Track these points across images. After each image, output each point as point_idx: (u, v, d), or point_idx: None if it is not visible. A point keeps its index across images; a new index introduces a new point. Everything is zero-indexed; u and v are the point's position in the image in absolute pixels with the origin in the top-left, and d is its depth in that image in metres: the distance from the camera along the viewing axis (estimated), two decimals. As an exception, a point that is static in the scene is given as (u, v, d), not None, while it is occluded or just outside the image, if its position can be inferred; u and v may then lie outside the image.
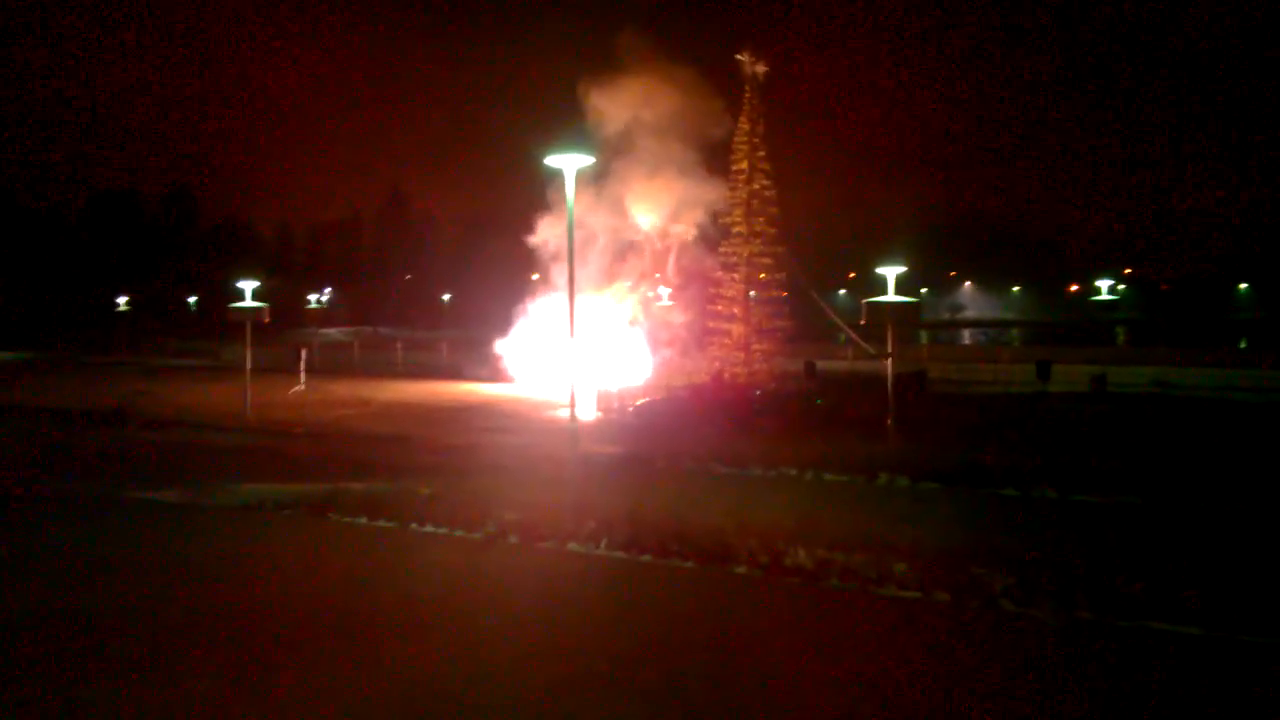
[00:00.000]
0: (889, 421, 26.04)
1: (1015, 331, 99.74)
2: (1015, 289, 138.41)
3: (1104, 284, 76.00)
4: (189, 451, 25.22)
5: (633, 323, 43.45)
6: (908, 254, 31.51)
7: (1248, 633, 10.22)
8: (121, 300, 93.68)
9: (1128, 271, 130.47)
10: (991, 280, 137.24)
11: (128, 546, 14.41)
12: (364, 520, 16.09)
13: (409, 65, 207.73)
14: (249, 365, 32.49)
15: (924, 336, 62.67)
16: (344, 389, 42.11)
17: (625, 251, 42.43)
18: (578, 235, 23.43)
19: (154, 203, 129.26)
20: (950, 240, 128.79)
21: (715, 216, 39.76)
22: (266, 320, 32.92)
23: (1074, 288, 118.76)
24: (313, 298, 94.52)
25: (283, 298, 62.33)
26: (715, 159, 39.39)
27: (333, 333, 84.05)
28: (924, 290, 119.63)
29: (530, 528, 14.96)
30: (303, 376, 41.42)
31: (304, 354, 43.58)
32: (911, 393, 32.91)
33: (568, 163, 17.95)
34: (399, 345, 61.38)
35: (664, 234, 41.90)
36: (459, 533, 15.13)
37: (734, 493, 18.89)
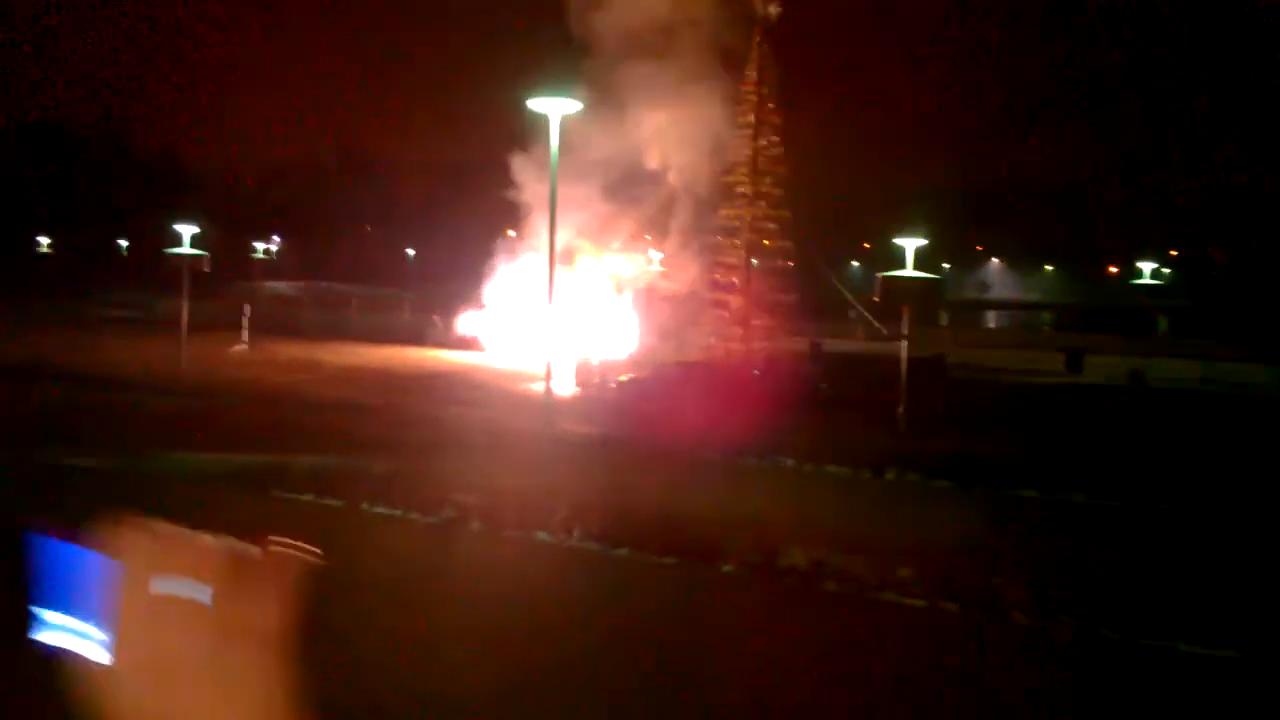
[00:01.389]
0: (901, 410, 26.21)
1: (1046, 315, 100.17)
2: (1048, 268, 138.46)
3: (1146, 266, 76.18)
4: (116, 413, 25.12)
5: (619, 289, 43.47)
6: (929, 225, 31.60)
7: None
8: (44, 242, 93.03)
9: (1174, 254, 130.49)
10: (1022, 258, 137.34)
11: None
12: (310, 498, 16.12)
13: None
14: (185, 319, 32.31)
15: (944, 317, 62.72)
16: (292, 350, 41.94)
17: (614, 209, 42.43)
18: (562, 187, 23.40)
19: (84, 135, 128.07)
20: (977, 211, 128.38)
21: (718, 174, 39.64)
22: (206, 269, 32.74)
23: (1113, 269, 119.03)
24: (260, 247, 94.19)
25: (225, 246, 62.10)
26: (722, 100, 39.36)
27: (281, 287, 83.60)
28: (946, 266, 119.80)
29: (495, 513, 15.03)
30: (245, 334, 41.25)
31: (248, 309, 43.41)
32: (929, 380, 33.06)
33: (552, 107, 17.95)
34: (355, 304, 61.21)
35: (661, 184, 41.84)
36: (415, 516, 15.19)
37: (725, 483, 18.99)
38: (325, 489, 16.40)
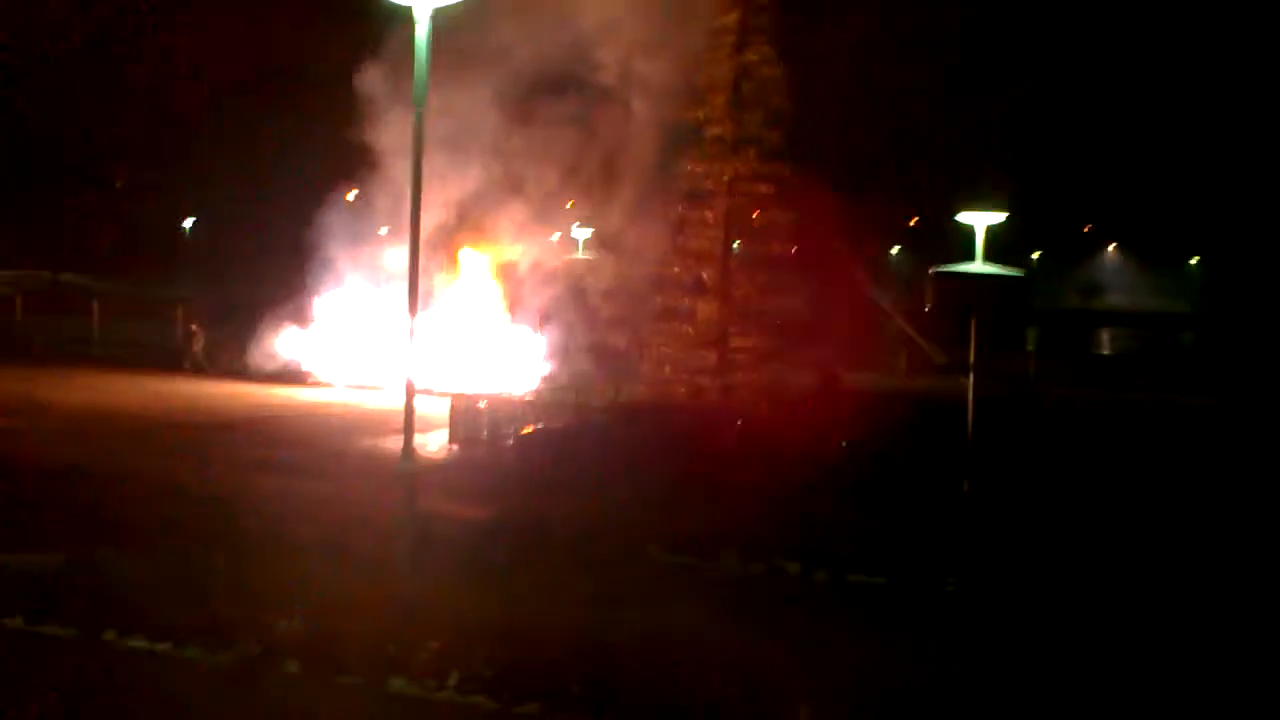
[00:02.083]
0: (966, 485, 26.50)
1: (1190, 335, 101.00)
2: (1193, 261, 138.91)
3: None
4: None
5: (522, 289, 43.61)
6: (1010, 191, 31.96)
7: None
8: None
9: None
10: (1154, 244, 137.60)
11: None
12: (19, 623, 15.92)
13: None
14: None
15: (1032, 336, 63.01)
16: (-3, 382, 41.49)
17: (517, 160, 42.53)
18: (440, 124, 23.46)
19: None
20: (1084, 173, 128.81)
21: (681, 108, 39.70)
22: None
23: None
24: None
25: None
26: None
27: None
28: (1036, 255, 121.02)
29: (325, 646, 14.93)
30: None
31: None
32: (1012, 429, 33.39)
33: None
34: (97, 309, 60.37)
35: (590, 119, 41.97)
36: (195, 652, 15.03)
37: (689, 599, 18.97)
38: (46, 608, 16.20)
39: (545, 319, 43.09)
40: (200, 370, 46.80)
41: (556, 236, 45.07)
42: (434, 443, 33.16)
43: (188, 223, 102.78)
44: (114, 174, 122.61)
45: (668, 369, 39.08)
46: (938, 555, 21.70)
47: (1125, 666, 16.15)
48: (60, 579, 17.44)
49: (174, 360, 49.35)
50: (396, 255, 39.10)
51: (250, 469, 29.11)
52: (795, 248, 39.65)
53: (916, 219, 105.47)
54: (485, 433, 34.58)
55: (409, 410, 19.44)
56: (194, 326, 48.14)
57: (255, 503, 25.10)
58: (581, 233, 59.90)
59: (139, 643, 15.34)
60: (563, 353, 42.18)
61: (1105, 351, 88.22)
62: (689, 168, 39.18)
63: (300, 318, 45.33)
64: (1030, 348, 58.13)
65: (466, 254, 44.37)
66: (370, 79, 41.35)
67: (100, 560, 18.71)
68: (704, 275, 39.09)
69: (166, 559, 19.02)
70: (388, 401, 37.31)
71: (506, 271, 44.46)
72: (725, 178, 38.91)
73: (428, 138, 19.71)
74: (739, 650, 15.48)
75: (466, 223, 42.53)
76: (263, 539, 21.59)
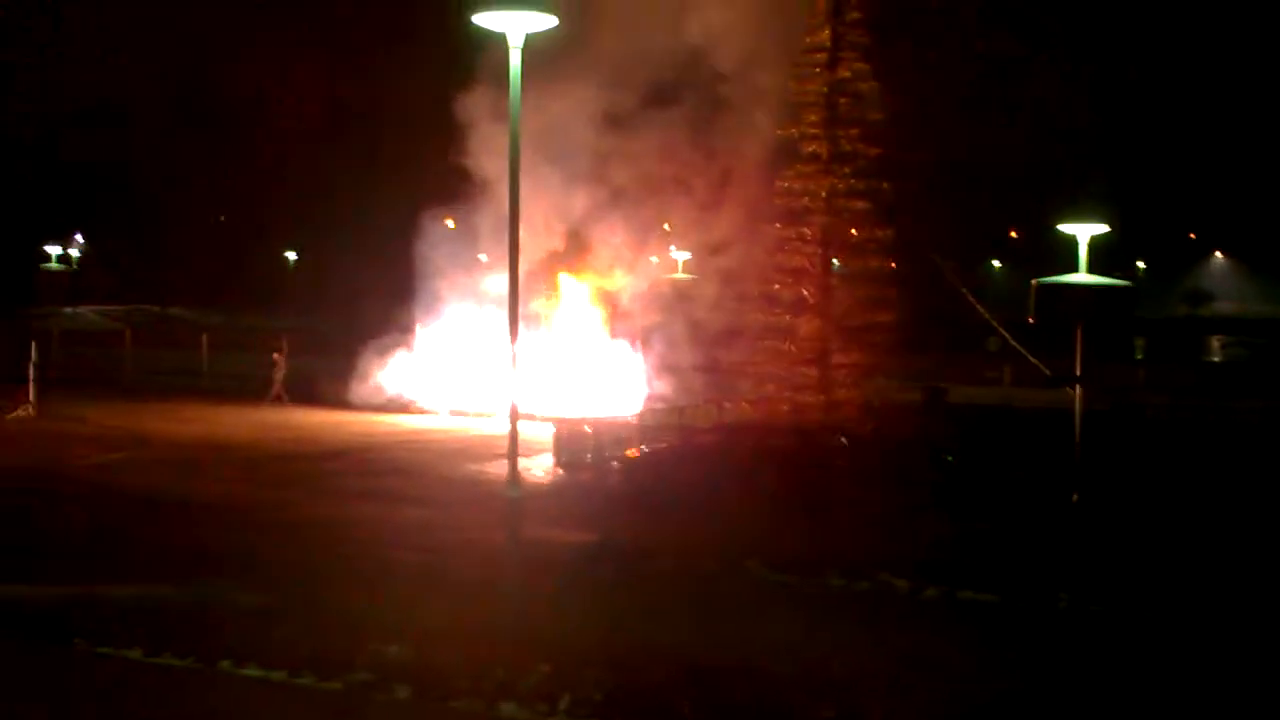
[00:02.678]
0: (1075, 496, 26.19)
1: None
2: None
3: None
4: None
5: (620, 313, 43.71)
6: (1113, 201, 31.67)
7: None
8: None
9: None
10: (1261, 250, 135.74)
11: None
12: (138, 655, 16.10)
13: None
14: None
15: (1139, 347, 62.53)
16: (105, 415, 42.09)
17: (612, 179, 42.68)
18: (537, 147, 23.56)
19: None
20: (1188, 181, 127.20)
21: (777, 125, 39.64)
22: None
23: None
24: (52, 252, 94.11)
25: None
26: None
27: (88, 314, 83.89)
28: (1140, 265, 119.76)
29: (433, 673, 14.98)
30: (32, 391, 41.27)
31: (35, 351, 43.53)
32: (1118, 443, 33.00)
33: (511, 22, 18.09)
34: (207, 341, 61.24)
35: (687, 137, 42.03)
36: (308, 680, 15.15)
37: (796, 618, 18.90)
38: (161, 639, 16.35)
39: (647, 340, 43.11)
40: (279, 401, 46.97)
41: (655, 258, 44.99)
42: (539, 467, 33.17)
43: (291, 254, 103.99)
44: (217, 212, 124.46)
45: (770, 387, 38.88)
46: (1049, 570, 21.43)
47: (1240, 684, 15.86)
48: (174, 610, 17.62)
49: (283, 393, 49.73)
50: (496, 281, 39.39)
51: (357, 497, 29.33)
52: (895, 262, 39.39)
53: (1017, 231, 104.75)
54: (590, 456, 34.56)
55: (513, 435, 19.50)
56: (275, 356, 48.44)
57: (362, 531, 25.31)
58: (680, 254, 60.05)
59: (253, 671, 15.46)
60: (665, 373, 42.16)
61: (1215, 359, 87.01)
62: (786, 185, 39.05)
63: (402, 345, 45.66)
64: (1139, 357, 57.53)
65: (566, 277, 44.55)
66: (465, 104, 41.67)
67: (213, 591, 18.88)
68: (804, 292, 38.86)
69: (276, 588, 19.18)
70: (491, 427, 37.48)
71: (606, 294, 44.56)
72: (822, 194, 38.70)
73: (524, 161, 19.83)
74: (846, 670, 15.37)
75: (566, 246, 42.67)
76: (369, 566, 21.76)
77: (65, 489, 29.50)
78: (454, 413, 43.15)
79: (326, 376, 49.69)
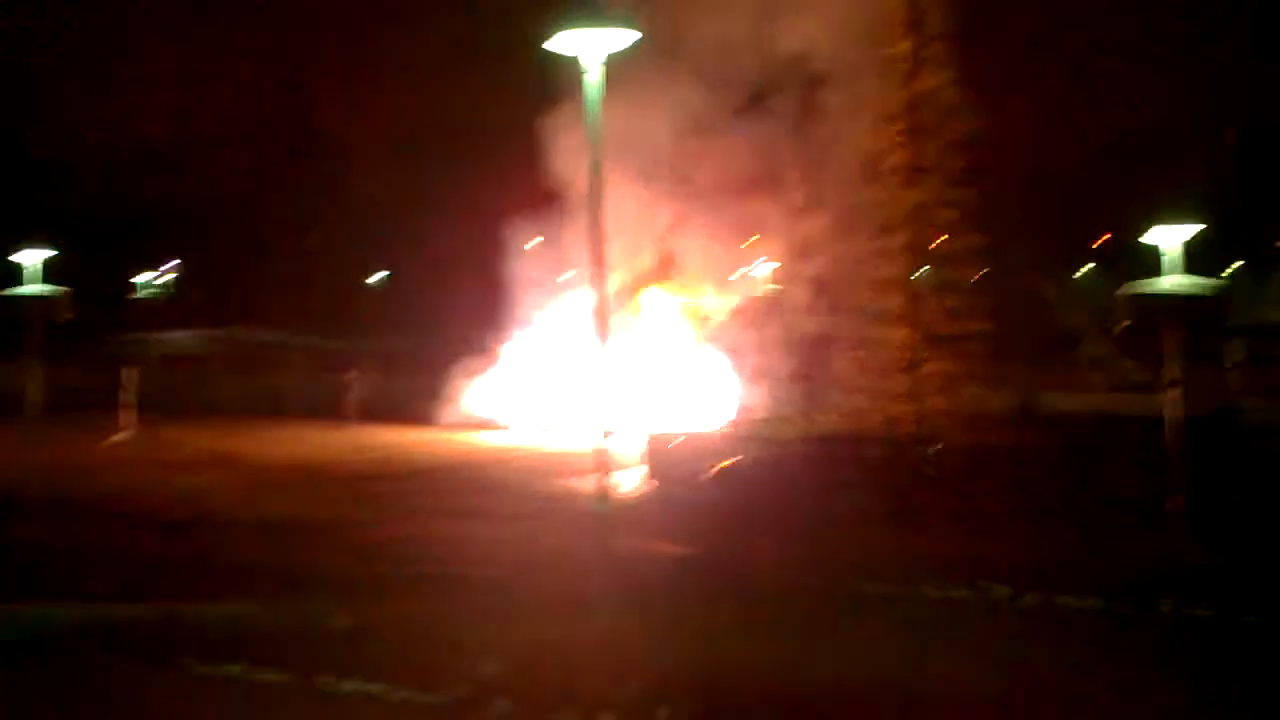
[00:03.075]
0: (1174, 503, 25.86)
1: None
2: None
3: None
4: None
5: (709, 323, 43.69)
6: (1207, 204, 31.23)
7: None
8: None
9: None
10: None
11: None
12: (238, 670, 16.22)
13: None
14: (33, 395, 32.90)
15: (1237, 350, 61.44)
16: (199, 437, 42.65)
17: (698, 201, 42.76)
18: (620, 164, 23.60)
19: None
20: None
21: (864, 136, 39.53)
22: (65, 317, 33.38)
23: None
24: (143, 279, 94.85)
25: (90, 277, 62.98)
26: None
27: (180, 338, 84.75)
28: (1236, 265, 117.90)
29: (530, 688, 15.01)
30: (127, 415, 41.77)
31: (128, 376, 44.07)
32: (1217, 448, 32.57)
33: (588, 45, 18.08)
34: (296, 363, 61.86)
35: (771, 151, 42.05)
36: (409, 693, 15.20)
37: (895, 629, 18.78)
38: (261, 655, 16.44)
39: (737, 353, 43.09)
40: (349, 419, 47.19)
41: (741, 271, 44.96)
42: (629, 481, 33.17)
43: (376, 276, 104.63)
44: (306, 237, 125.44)
45: (861, 398, 38.78)
46: (1151, 575, 21.19)
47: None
48: (269, 628, 17.79)
49: (367, 409, 50.11)
50: (582, 297, 39.51)
51: (446, 515, 29.49)
52: (985, 270, 39.15)
53: (1109, 235, 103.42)
54: (681, 469, 34.52)
55: (602, 449, 19.50)
56: (351, 375, 48.80)
57: (451, 548, 25.40)
58: (767, 266, 59.98)
59: (354, 685, 15.56)
60: (756, 386, 42.12)
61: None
62: (869, 196, 39.03)
63: (489, 364, 45.86)
64: (1236, 359, 56.73)
65: (653, 292, 44.59)
66: (548, 123, 41.84)
67: (308, 609, 19.07)
68: (893, 304, 38.79)
69: (371, 605, 19.29)
70: (580, 444, 37.50)
71: (694, 307, 44.59)
72: (908, 206, 38.62)
73: (608, 180, 19.85)
74: (942, 684, 15.25)
75: (653, 261, 42.75)
76: (460, 584, 21.85)
77: (156, 508, 29.92)
78: (543, 430, 43.24)
79: (414, 395, 50.05)
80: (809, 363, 41.75)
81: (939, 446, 35.06)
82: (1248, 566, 22.02)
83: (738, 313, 43.99)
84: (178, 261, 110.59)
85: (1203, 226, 27.25)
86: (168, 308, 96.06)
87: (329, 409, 50.57)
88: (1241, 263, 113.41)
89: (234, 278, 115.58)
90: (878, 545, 23.92)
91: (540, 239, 45.68)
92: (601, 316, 19.49)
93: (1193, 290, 27.48)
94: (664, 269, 44.27)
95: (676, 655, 16.10)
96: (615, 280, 35.58)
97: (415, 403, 48.48)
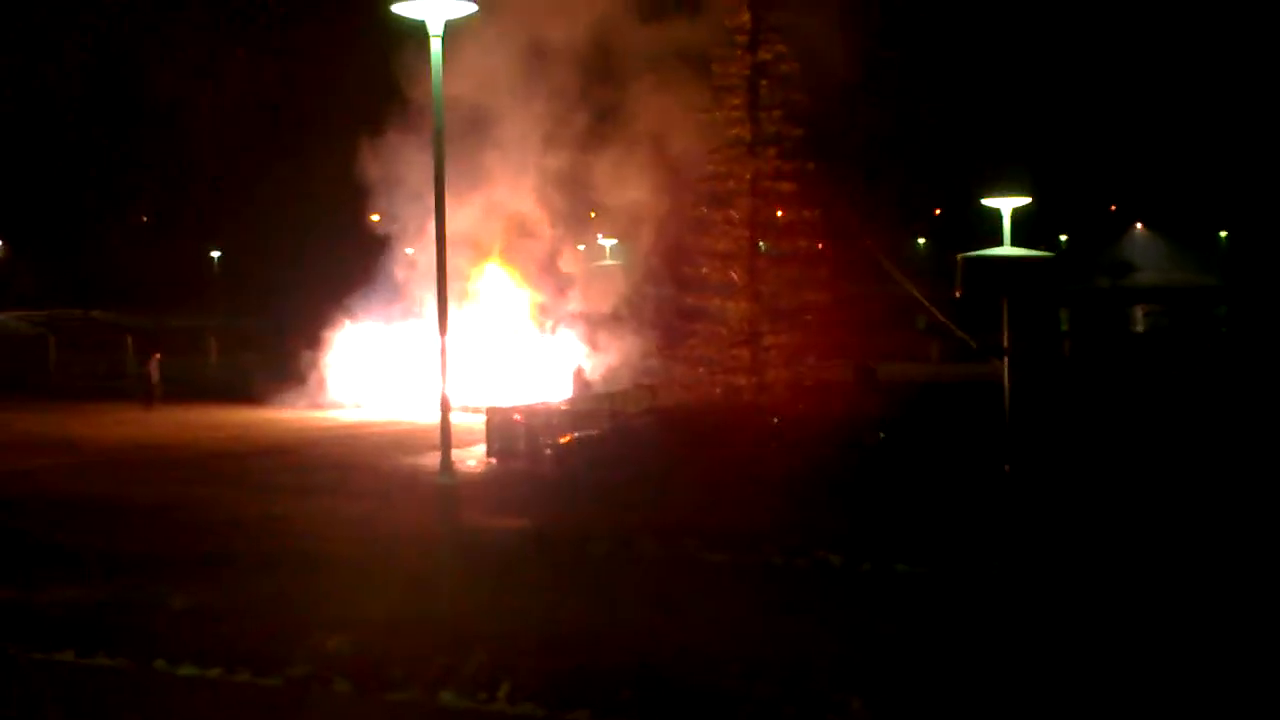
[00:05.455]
0: (1006, 467, 26.33)
1: (1224, 309, 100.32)
2: (1222, 235, 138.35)
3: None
4: None
5: (546, 303, 43.76)
6: (1035, 176, 31.88)
7: None
8: None
9: None
10: (1181, 222, 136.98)
11: None
12: (70, 658, 15.96)
13: None
14: None
15: (1063, 317, 62.92)
16: (31, 421, 41.95)
17: (535, 169, 42.71)
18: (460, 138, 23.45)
19: None
20: (1110, 154, 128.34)
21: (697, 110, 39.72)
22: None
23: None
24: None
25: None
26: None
27: (10, 321, 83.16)
28: (1063, 238, 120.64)
29: (372, 664, 14.92)
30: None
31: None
32: (1048, 411, 33.25)
33: (431, 9, 18.01)
34: (131, 341, 60.73)
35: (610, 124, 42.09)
36: (244, 676, 15.04)
37: (738, 597, 18.96)
38: (94, 640, 16.23)
39: (576, 327, 43.10)
40: (151, 399, 46.49)
41: (582, 246, 44.98)
42: (472, 457, 33.22)
43: (215, 254, 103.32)
44: (138, 212, 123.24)
45: (701, 370, 39.00)
46: (982, 541, 21.60)
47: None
48: (106, 612, 17.46)
49: (208, 390, 49.52)
50: (423, 274, 39.34)
51: (291, 492, 29.18)
52: (822, 243, 39.53)
53: (941, 208, 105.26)
54: (522, 444, 34.49)
55: (445, 424, 19.44)
56: (156, 356, 48.05)
57: (297, 525, 25.22)
58: (607, 241, 60.07)
59: (189, 670, 15.35)
60: (596, 360, 42.18)
61: (1138, 329, 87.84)
62: (710, 169, 39.13)
63: (333, 342, 45.36)
64: (1063, 328, 58.03)
65: (493, 267, 44.45)
66: (385, 96, 41.55)
67: (146, 592, 18.77)
68: (732, 275, 39.02)
69: (210, 586, 19.07)
70: (423, 420, 37.31)
71: (534, 282, 44.52)
72: (747, 177, 38.83)
73: (449, 152, 19.77)
74: (785, 648, 15.44)
75: (493, 236, 42.58)
76: (306, 561, 21.66)
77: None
78: (386, 408, 42.95)
79: (257, 374, 49.49)
80: (651, 336, 41.89)
81: (779, 418, 35.45)
82: (1076, 531, 22.55)
83: (575, 287, 43.97)
84: (3, 239, 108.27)
85: (1028, 200, 27.73)
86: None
87: (171, 390, 49.75)
88: (1067, 236, 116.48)
89: (66, 255, 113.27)
90: (717, 515, 24.04)
91: (378, 216, 45.27)
92: (442, 292, 19.39)
93: (1024, 258, 27.92)
94: (505, 244, 44.09)
95: (518, 628, 16.12)
96: (456, 254, 35.27)
97: (261, 382, 47.93)
